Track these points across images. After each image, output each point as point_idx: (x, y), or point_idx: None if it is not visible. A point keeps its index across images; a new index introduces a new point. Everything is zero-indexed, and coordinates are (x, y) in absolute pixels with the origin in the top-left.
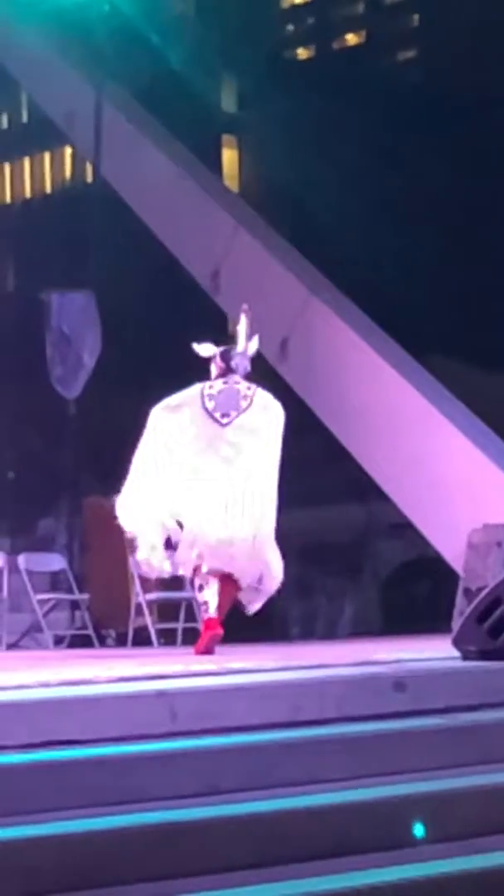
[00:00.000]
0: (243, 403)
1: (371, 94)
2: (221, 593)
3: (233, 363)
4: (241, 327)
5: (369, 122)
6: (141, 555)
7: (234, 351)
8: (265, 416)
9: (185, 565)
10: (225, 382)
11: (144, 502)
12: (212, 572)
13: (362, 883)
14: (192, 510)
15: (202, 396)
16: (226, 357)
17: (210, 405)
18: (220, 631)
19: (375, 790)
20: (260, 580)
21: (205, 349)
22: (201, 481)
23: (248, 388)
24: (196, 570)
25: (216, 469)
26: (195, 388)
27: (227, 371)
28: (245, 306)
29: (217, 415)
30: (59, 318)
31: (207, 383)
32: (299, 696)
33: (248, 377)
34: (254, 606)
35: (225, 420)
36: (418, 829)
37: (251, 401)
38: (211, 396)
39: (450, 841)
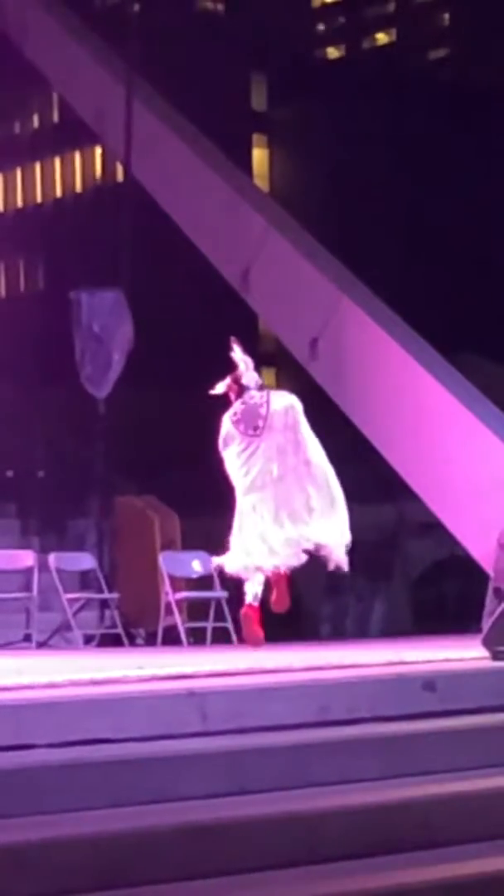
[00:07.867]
0: (262, 411)
1: (401, 92)
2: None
3: (244, 380)
4: (237, 354)
5: (399, 121)
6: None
7: (241, 371)
8: (285, 415)
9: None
10: (243, 403)
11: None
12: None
13: (393, 883)
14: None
15: (233, 424)
16: (236, 378)
17: (241, 427)
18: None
19: (406, 790)
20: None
21: (220, 387)
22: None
23: (261, 397)
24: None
25: (264, 477)
26: (225, 421)
27: (240, 391)
28: (232, 338)
29: (250, 431)
30: (90, 317)
31: (231, 411)
32: (329, 696)
33: (261, 386)
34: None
35: (257, 431)
36: None
37: (267, 405)
38: (237, 421)
39: (482, 840)
